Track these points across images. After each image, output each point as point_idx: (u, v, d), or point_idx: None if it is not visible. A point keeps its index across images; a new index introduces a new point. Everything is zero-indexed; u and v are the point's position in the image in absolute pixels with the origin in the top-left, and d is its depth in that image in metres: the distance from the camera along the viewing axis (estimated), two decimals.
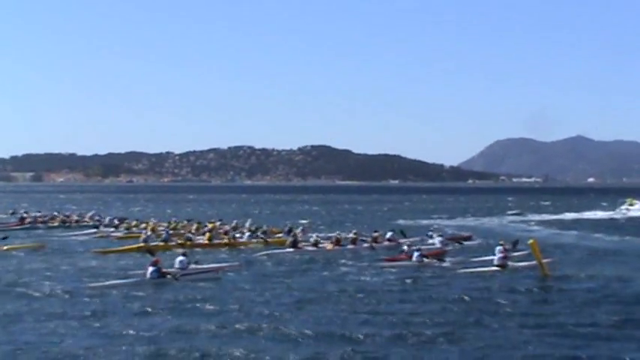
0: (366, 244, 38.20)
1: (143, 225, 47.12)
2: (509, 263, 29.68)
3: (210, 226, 45.84)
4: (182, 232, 43.42)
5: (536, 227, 58.01)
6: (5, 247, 36.72)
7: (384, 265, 30.93)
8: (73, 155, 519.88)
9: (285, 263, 32.15)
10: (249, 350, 16.18)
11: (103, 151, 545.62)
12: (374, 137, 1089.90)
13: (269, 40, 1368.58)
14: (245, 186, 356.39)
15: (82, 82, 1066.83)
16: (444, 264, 31.16)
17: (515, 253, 32.02)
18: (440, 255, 33.47)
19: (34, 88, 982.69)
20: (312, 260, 33.17)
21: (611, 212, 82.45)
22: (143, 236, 39.22)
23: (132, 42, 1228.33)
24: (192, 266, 28.18)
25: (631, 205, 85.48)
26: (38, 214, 59.34)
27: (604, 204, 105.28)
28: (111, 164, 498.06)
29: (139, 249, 36.39)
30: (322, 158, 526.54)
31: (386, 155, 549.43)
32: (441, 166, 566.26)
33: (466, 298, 22.77)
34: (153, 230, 43.54)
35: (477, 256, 32.79)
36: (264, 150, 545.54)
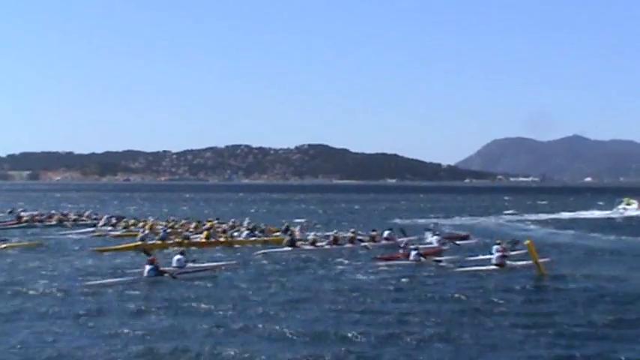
0: (363, 243, 38.26)
1: (141, 223, 47.13)
2: (508, 262, 29.77)
3: (208, 224, 45.90)
4: (180, 230, 43.47)
5: (532, 226, 58.09)
6: (3, 246, 36.73)
7: (380, 263, 31.04)
8: (70, 154, 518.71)
9: (282, 262, 32.17)
10: (244, 350, 16.18)
11: (100, 150, 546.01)
12: (371, 136, 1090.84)
13: (266, 39, 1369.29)
14: (242, 185, 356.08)
15: (80, 81, 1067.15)
16: (442, 263, 31.22)
17: (513, 252, 32.09)
18: (437, 254, 33.58)
19: (32, 87, 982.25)
20: (310, 259, 33.21)
21: (608, 212, 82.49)
22: (140, 235, 39.28)
23: (129, 41, 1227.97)
24: (190, 265, 28.23)
25: (628, 204, 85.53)
26: (35, 213, 59.30)
27: (600, 203, 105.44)
28: (108, 163, 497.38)
29: (136, 247, 36.39)
30: (319, 157, 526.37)
31: (383, 154, 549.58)
32: (439, 165, 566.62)
33: (462, 297, 22.82)
34: (151, 229, 43.59)
35: (474, 256, 32.86)
36: (261, 149, 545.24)
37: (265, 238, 40.57)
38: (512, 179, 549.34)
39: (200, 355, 15.94)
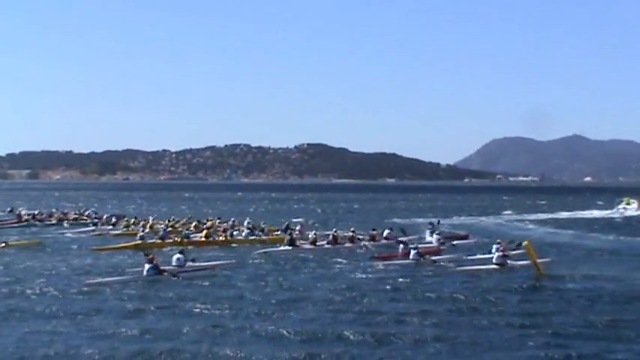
0: (363, 243, 38.34)
1: (142, 223, 47.22)
2: (509, 262, 29.83)
3: (209, 223, 46.05)
4: (180, 230, 43.56)
5: (532, 226, 58.19)
6: (2, 245, 36.82)
7: (379, 262, 31.11)
8: (69, 153, 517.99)
9: (282, 261, 32.24)
10: (240, 350, 16.23)
11: (99, 149, 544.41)
12: (370, 136, 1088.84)
13: (266, 38, 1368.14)
14: (241, 184, 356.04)
15: (80, 80, 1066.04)
16: (442, 262, 31.30)
17: (514, 252, 32.10)
18: (436, 253, 33.65)
19: (32, 86, 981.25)
20: (309, 258, 33.28)
21: (608, 211, 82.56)
22: (140, 234, 39.36)
23: (129, 40, 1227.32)
24: (189, 264, 28.31)
25: (628, 204, 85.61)
26: (36, 212, 59.37)
27: (600, 203, 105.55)
28: (107, 162, 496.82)
29: (135, 246, 36.53)
30: (319, 156, 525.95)
31: (382, 154, 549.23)
32: (438, 164, 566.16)
33: (460, 296, 22.86)
34: (151, 228, 43.72)
35: (473, 255, 32.91)
36: (260, 148, 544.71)
37: (265, 238, 40.64)
38: (511, 179, 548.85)
39: (196, 355, 15.95)
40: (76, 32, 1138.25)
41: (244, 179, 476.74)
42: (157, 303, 21.73)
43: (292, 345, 16.83)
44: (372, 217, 67.88)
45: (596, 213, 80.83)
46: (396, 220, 62.44)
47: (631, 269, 30.14)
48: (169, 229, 42.76)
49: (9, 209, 68.44)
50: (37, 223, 53.58)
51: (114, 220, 51.89)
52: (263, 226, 45.26)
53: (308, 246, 36.51)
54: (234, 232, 41.72)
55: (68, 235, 45.24)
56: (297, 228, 43.04)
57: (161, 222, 48.51)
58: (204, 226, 43.60)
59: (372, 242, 38.57)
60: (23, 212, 58.77)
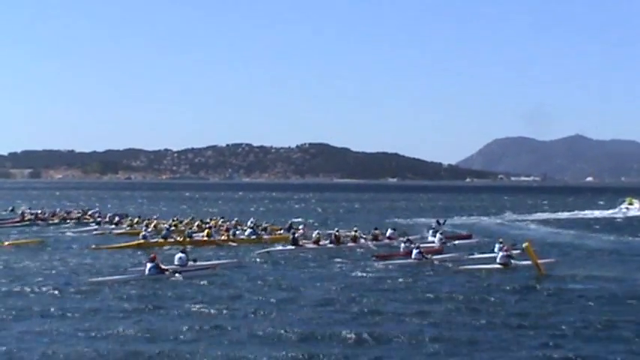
0: (366, 242, 38.41)
1: (145, 222, 47.31)
2: (512, 262, 29.86)
3: (212, 223, 46.15)
4: (183, 229, 43.64)
5: (533, 226, 58.19)
6: (6, 243, 36.94)
7: (380, 262, 31.15)
8: (71, 152, 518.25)
9: (283, 261, 32.33)
10: (237, 350, 16.31)
11: (101, 148, 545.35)
12: (372, 135, 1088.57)
13: (268, 38, 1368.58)
14: (243, 183, 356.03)
15: (82, 79, 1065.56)
16: (445, 262, 31.36)
17: (516, 251, 32.10)
18: (438, 253, 33.71)
19: (34, 85, 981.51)
20: (311, 258, 33.35)
21: (610, 211, 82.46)
22: (142, 233, 39.45)
23: (131, 39, 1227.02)
24: (191, 263, 28.40)
25: (630, 204, 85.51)
26: (39, 211, 59.45)
27: (601, 203, 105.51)
28: (109, 161, 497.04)
29: (138, 245, 36.65)
30: (320, 156, 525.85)
31: (384, 153, 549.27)
32: (440, 164, 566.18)
33: (460, 296, 22.90)
34: (155, 227, 43.86)
35: (476, 255, 32.91)
36: (262, 147, 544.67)
37: (267, 237, 40.71)
38: (513, 179, 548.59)
39: (194, 355, 15.97)
40: (78, 31, 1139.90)
41: (246, 179, 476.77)
42: (157, 302, 21.79)
43: (290, 345, 16.87)
44: (372, 217, 67.85)
45: (597, 213, 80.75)
46: (396, 219, 62.50)
47: (632, 270, 30.16)
48: (172, 228, 42.86)
49: (10, 208, 68.54)
50: (40, 222, 53.65)
51: (117, 219, 51.98)
52: (266, 225, 45.36)
53: (311, 245, 36.57)
54: (237, 232, 41.80)
55: (70, 234, 45.35)
56: (301, 227, 43.12)
57: (164, 222, 48.60)
58: (207, 226, 43.68)
59: (374, 242, 38.64)
60: (26, 211, 58.81)
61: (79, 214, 57.96)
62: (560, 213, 79.61)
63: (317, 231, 40.28)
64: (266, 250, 35.46)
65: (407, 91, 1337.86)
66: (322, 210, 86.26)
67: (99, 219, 54.18)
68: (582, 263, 32.19)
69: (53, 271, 28.15)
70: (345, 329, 18.10)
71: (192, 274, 26.90)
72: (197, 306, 21.19)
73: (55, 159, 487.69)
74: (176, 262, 28.04)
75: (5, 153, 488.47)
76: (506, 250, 30.32)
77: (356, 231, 39.86)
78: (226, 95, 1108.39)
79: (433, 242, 37.79)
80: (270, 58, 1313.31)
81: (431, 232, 41.75)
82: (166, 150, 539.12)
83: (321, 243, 37.08)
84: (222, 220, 49.29)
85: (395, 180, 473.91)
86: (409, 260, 31.29)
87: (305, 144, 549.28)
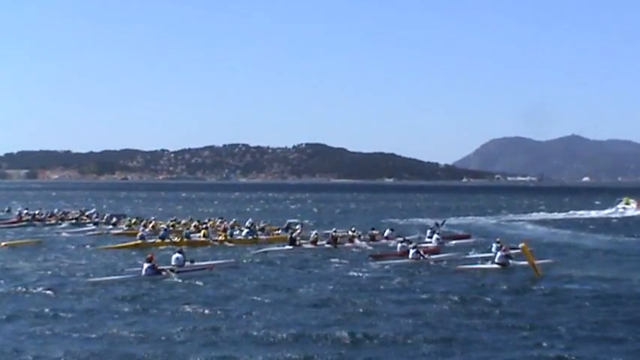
0: (363, 242, 38.47)
1: (143, 222, 47.31)
2: (510, 262, 29.90)
3: (209, 223, 46.19)
4: (181, 229, 43.66)
5: (530, 226, 58.28)
6: (2, 244, 36.92)
7: (377, 262, 31.22)
8: (68, 152, 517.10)
9: (279, 261, 32.36)
10: (233, 350, 16.32)
11: (98, 149, 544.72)
12: (369, 136, 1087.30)
13: (265, 38, 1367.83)
14: (240, 184, 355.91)
15: (78, 80, 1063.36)
16: (442, 262, 31.42)
17: (514, 251, 32.14)
18: (435, 253, 33.77)
19: (30, 86, 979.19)
20: (308, 258, 33.41)
21: (607, 211, 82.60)
22: (140, 233, 39.47)
23: (128, 40, 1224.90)
24: (188, 264, 28.43)
25: (627, 204, 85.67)
26: (36, 212, 59.40)
27: (597, 203, 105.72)
28: (106, 162, 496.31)
29: (135, 246, 36.67)
30: (317, 156, 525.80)
31: (381, 154, 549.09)
32: (436, 164, 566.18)
33: (455, 296, 22.92)
34: (153, 228, 43.87)
35: (473, 255, 33.02)
36: (259, 148, 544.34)
37: (264, 237, 40.76)
38: (510, 179, 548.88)
39: (189, 355, 15.95)
40: (73, 32, 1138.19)
41: (243, 179, 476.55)
42: (153, 303, 21.79)
43: (285, 345, 16.87)
44: (369, 218, 67.91)
45: (594, 213, 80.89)
46: (392, 220, 62.52)
47: (628, 270, 30.25)
48: (170, 228, 42.90)
49: (6, 209, 68.45)
50: (37, 222, 53.59)
51: (114, 220, 51.97)
52: (263, 225, 45.42)
53: (308, 245, 36.63)
54: (234, 232, 41.84)
55: (67, 234, 45.31)
56: (298, 227, 43.18)
57: (161, 222, 48.60)
58: (204, 226, 43.71)
59: (372, 242, 38.72)
60: (23, 212, 58.74)
61: (77, 215, 57.90)
62: (556, 213, 79.76)
63: (315, 231, 40.33)
64: (263, 250, 35.51)
65: (403, 91, 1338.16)
66: (318, 210, 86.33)
67: (96, 219, 54.17)
68: (578, 263, 32.27)
69: (49, 272, 28.12)
70: (339, 329, 18.10)
71: (189, 275, 26.93)
72: (193, 306, 21.18)
73: (51, 159, 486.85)
74: (173, 263, 28.08)
75: (1, 153, 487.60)
76: (504, 250, 30.37)
77: (353, 231, 39.94)
78: (223, 96, 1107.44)
79: (431, 242, 37.84)
80: (267, 58, 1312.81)
81: (428, 232, 41.79)
82: (163, 150, 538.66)
83: (318, 243, 37.13)
84: (220, 220, 49.32)
85: (392, 180, 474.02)
86: (406, 260, 31.35)
87: (302, 144, 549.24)
